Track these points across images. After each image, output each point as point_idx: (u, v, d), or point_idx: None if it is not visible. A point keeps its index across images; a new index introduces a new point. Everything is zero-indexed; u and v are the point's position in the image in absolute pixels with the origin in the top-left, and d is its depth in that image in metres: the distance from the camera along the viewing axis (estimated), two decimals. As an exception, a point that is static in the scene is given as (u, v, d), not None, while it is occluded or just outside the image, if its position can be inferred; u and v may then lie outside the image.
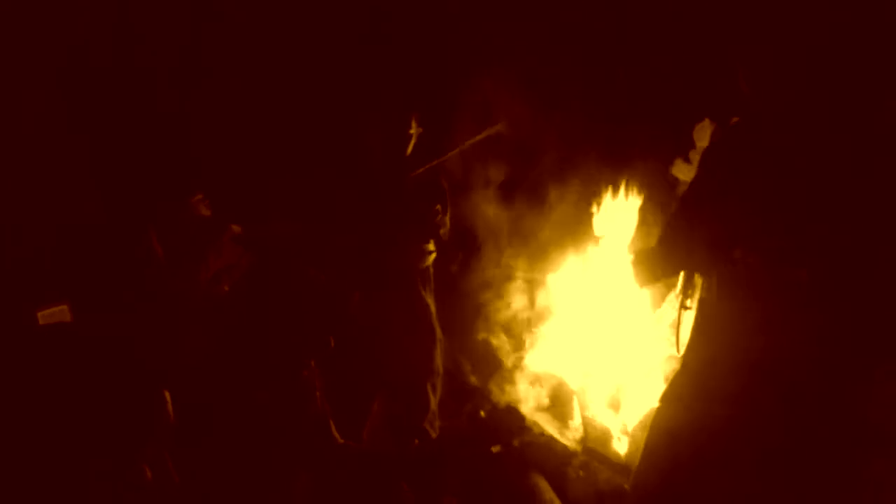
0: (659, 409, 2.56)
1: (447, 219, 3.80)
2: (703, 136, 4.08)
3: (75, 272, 3.29)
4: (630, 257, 2.67)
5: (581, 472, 3.49)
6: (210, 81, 4.43)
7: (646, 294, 3.82)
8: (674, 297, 3.62)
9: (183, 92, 4.29)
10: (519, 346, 4.13)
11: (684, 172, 4.19)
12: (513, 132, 3.90)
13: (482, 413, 2.68)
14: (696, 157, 4.15)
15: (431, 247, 3.75)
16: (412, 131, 3.65)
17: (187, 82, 4.34)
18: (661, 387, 2.90)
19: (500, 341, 4.17)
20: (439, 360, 3.83)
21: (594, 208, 3.86)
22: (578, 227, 4.08)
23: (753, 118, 2.38)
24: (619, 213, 3.80)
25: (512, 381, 3.99)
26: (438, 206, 3.70)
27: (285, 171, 4.31)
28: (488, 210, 4.31)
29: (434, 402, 3.78)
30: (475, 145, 3.84)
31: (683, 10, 4.37)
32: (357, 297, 2.86)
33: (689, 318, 2.56)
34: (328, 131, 4.37)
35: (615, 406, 3.72)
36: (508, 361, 4.09)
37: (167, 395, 1.89)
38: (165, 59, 4.27)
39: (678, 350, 2.63)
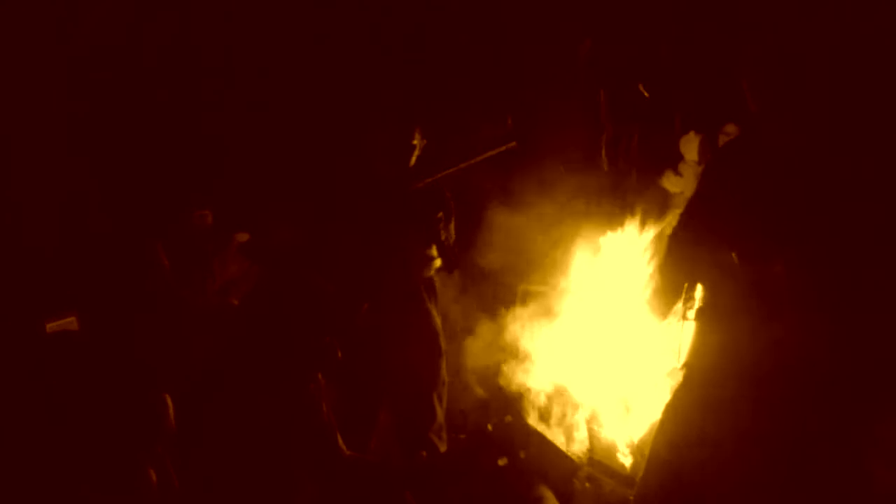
0: (662, 421, 2.57)
1: (451, 228, 3.81)
2: (690, 148, 4.12)
3: (82, 282, 3.31)
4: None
5: (587, 484, 3.49)
6: (216, 92, 4.47)
7: (652, 305, 3.82)
8: (678, 309, 3.63)
9: (189, 102, 4.32)
10: (524, 357, 4.12)
11: (675, 184, 4.22)
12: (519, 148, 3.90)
13: (489, 426, 2.69)
14: (686, 169, 4.19)
15: (434, 252, 3.75)
16: (415, 142, 3.66)
17: (194, 92, 4.37)
18: (666, 398, 2.90)
19: (506, 353, 4.16)
20: (445, 370, 3.83)
21: (597, 220, 3.88)
22: (582, 239, 4.09)
23: (755, 131, 2.40)
24: (621, 223, 3.82)
25: (517, 394, 3.98)
26: (440, 215, 3.70)
27: (290, 181, 4.33)
28: (492, 220, 4.32)
29: (441, 414, 3.77)
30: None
31: (679, 24, 4.41)
32: (365, 308, 2.86)
33: (690, 328, 2.57)
34: (333, 142, 4.40)
35: (621, 418, 3.71)
36: (514, 373, 4.08)
37: (169, 401, 1.91)
38: (171, 69, 4.31)
39: (679, 361, 2.65)
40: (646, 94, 3.99)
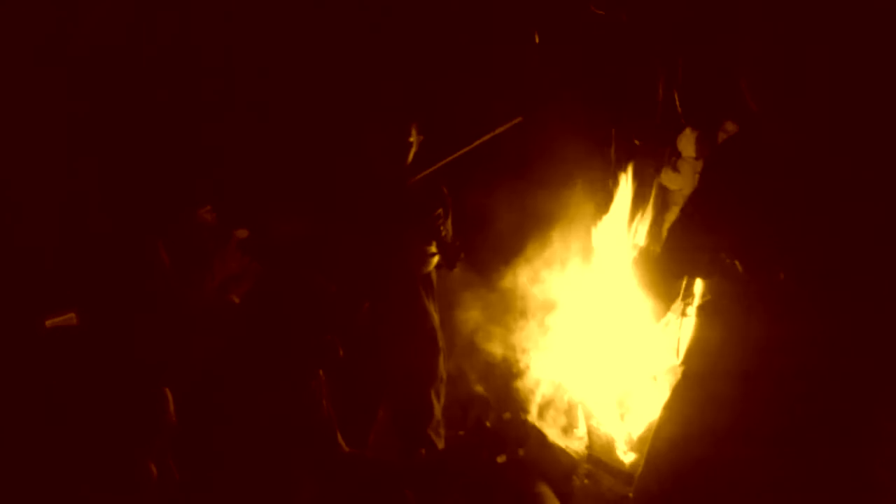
0: (661, 418, 2.58)
1: (449, 224, 3.82)
2: (687, 145, 4.12)
3: (82, 280, 3.31)
4: (631, 259, 2.69)
5: (586, 481, 3.50)
6: (216, 90, 4.47)
7: (650, 302, 3.83)
8: (677, 306, 3.64)
9: (189, 102, 4.33)
10: (523, 354, 4.13)
11: (673, 181, 4.23)
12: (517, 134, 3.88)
13: (487, 423, 2.69)
14: (683, 165, 4.20)
15: (433, 248, 3.75)
16: (412, 139, 3.67)
17: (194, 92, 4.38)
18: (665, 395, 2.92)
19: (504, 349, 4.17)
20: (443, 367, 3.84)
21: (594, 215, 3.89)
22: (581, 235, 4.10)
23: (754, 129, 2.41)
24: (618, 219, 3.83)
25: (516, 390, 3.99)
26: (440, 211, 3.71)
27: (290, 178, 4.34)
28: (490, 216, 4.33)
29: (438, 410, 3.78)
30: (481, 147, 3.81)
31: (678, 21, 4.41)
32: (367, 306, 2.87)
33: (689, 325, 2.58)
34: (333, 140, 4.41)
35: (620, 414, 3.72)
36: (513, 370, 4.09)
37: (169, 396, 1.92)
38: (171, 70, 4.31)
39: (678, 358, 2.65)
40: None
